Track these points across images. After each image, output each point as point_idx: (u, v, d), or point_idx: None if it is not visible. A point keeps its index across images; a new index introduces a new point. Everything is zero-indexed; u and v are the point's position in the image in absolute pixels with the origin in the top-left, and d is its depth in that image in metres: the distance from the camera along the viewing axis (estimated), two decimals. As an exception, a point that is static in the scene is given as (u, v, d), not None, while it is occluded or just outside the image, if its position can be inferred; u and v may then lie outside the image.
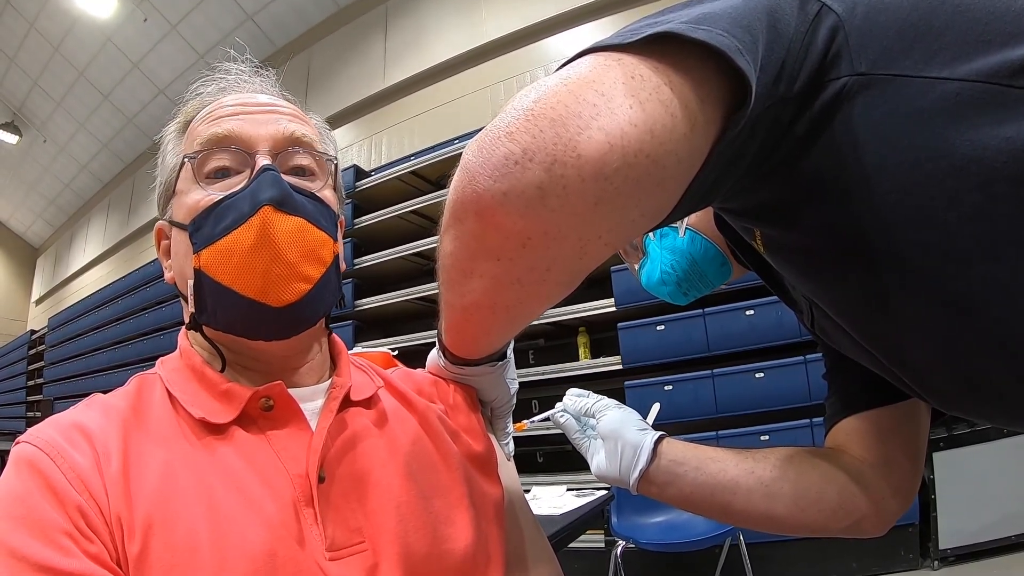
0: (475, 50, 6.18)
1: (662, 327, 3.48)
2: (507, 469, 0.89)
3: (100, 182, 11.42)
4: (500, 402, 0.92)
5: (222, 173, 0.72)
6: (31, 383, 11.55)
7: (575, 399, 1.06)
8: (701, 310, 3.40)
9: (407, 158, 5.18)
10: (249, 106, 0.76)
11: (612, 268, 3.68)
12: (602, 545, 3.30)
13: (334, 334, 0.85)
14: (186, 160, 0.73)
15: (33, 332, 12.09)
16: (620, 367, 3.61)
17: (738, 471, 0.93)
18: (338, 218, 0.79)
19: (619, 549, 2.81)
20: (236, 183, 0.71)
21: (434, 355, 0.89)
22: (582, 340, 4.01)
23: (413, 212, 4.62)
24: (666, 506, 3.03)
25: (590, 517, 2.09)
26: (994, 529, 2.92)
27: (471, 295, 0.61)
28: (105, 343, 9.01)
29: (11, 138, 10.57)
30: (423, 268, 4.79)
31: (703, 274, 1.00)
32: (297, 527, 0.62)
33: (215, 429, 0.67)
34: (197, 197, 0.71)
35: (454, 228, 0.56)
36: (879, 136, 0.55)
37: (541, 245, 0.51)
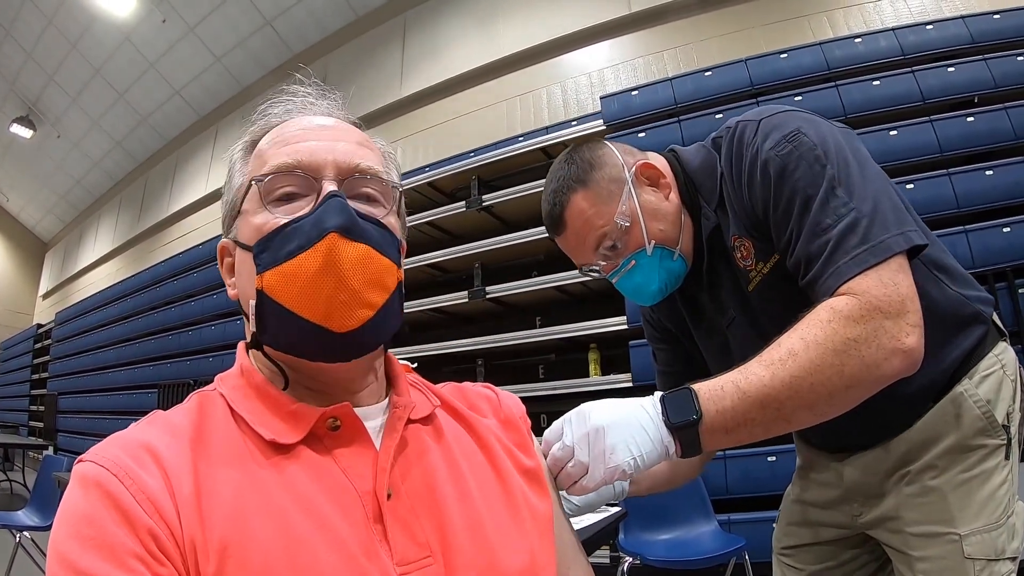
0: (492, 64, 6.26)
1: (673, 346, 3.50)
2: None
3: (112, 180, 11.49)
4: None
5: (288, 197, 0.73)
6: (36, 377, 11.57)
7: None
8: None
9: (422, 169, 5.21)
10: (316, 131, 0.77)
11: (625, 286, 3.71)
12: (607, 561, 3.33)
13: (390, 354, 0.86)
14: (253, 183, 0.74)
15: (40, 326, 12.10)
16: (630, 385, 3.62)
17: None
18: (401, 244, 0.79)
19: (626, 565, 2.83)
20: (301, 207, 0.72)
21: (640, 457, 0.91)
22: (593, 356, 4.03)
23: (428, 223, 4.65)
24: (673, 523, 3.07)
25: (604, 533, 2.12)
26: None
27: (835, 406, 0.93)
28: (112, 340, 9.03)
29: (25, 132, 10.66)
30: (436, 279, 4.83)
31: (676, 283, 1.26)
32: (368, 544, 0.63)
33: (282, 448, 0.67)
34: (263, 219, 0.72)
35: (870, 367, 0.91)
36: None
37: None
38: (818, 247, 1.00)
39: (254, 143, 0.81)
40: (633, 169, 1.21)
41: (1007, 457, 1.13)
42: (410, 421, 0.77)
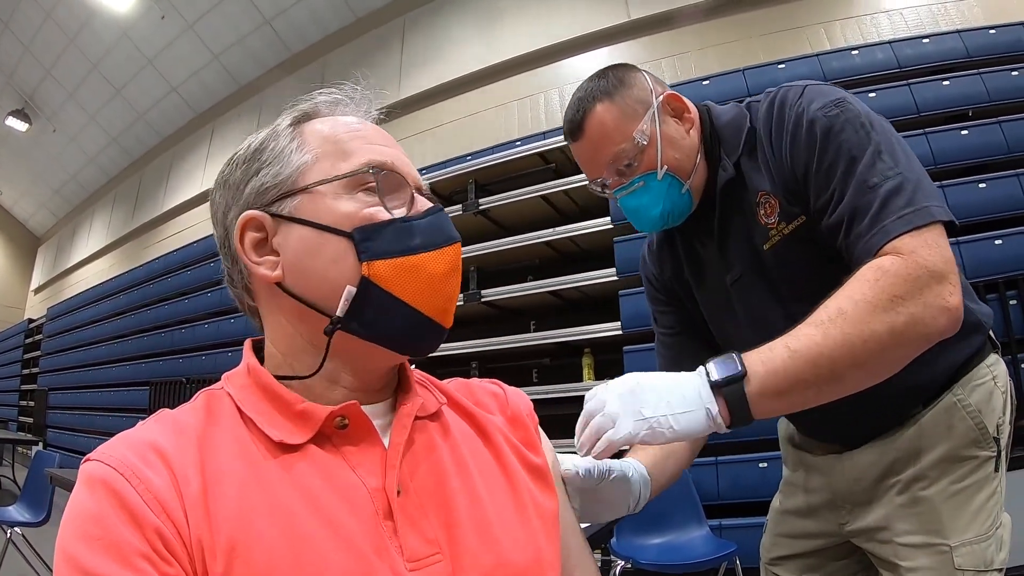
0: (490, 68, 6.26)
1: (667, 352, 3.52)
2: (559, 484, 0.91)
3: (107, 175, 11.44)
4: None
5: (371, 191, 0.74)
6: (26, 372, 11.51)
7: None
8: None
9: (419, 172, 5.18)
10: (387, 139, 0.79)
11: (620, 292, 3.74)
12: (599, 564, 3.33)
13: None
14: (370, 171, 0.74)
15: (31, 321, 12.03)
16: (624, 389, 3.60)
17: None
18: None
19: (618, 569, 2.84)
20: (394, 206, 0.74)
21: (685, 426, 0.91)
22: (587, 361, 4.03)
23: (425, 225, 4.64)
24: (665, 527, 3.08)
25: (597, 536, 2.13)
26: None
27: (886, 364, 0.94)
28: (104, 337, 8.98)
29: (21, 125, 10.61)
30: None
31: (677, 219, 1.26)
32: (378, 541, 0.64)
33: (290, 448, 0.67)
34: (367, 210, 0.72)
35: (919, 324, 0.92)
36: None
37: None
38: (864, 204, 1.01)
39: (301, 120, 0.80)
40: (661, 97, 1.22)
41: (996, 469, 1.15)
42: (417, 418, 0.77)
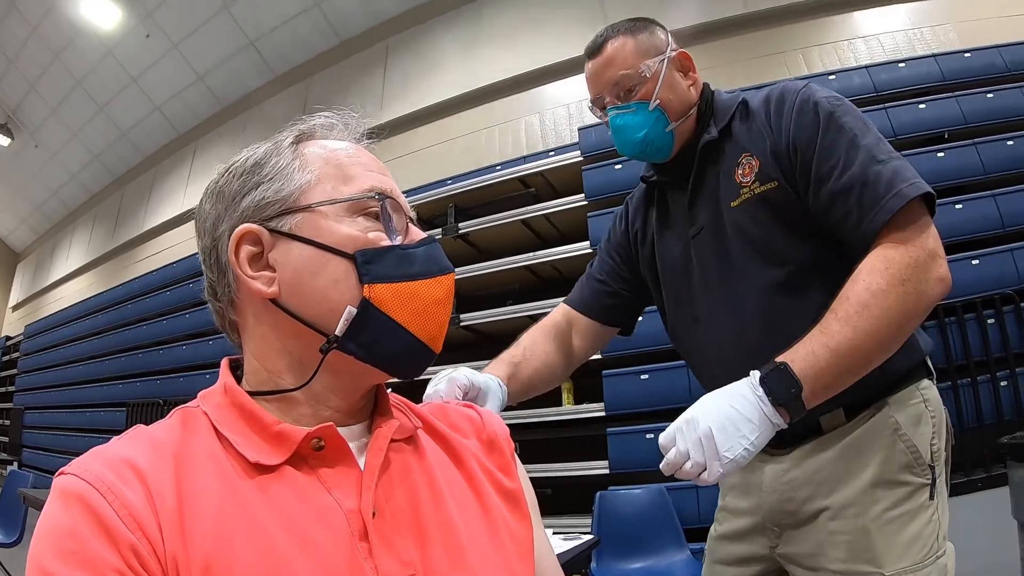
0: (471, 93, 6.28)
1: (646, 376, 3.52)
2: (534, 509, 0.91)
3: (88, 193, 11.34)
4: None
5: (371, 218, 0.76)
6: (2, 390, 11.36)
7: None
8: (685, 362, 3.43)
9: (400, 194, 5.18)
10: (382, 168, 0.81)
11: (600, 314, 3.72)
12: (578, 590, 3.31)
13: None
14: (376, 196, 0.76)
15: (8, 338, 11.91)
16: (603, 414, 3.63)
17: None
18: None
19: (596, 595, 2.82)
20: (391, 233, 0.77)
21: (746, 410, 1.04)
22: (566, 386, 4.00)
23: (405, 248, 4.62)
24: (646, 551, 3.06)
25: (575, 562, 2.11)
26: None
27: (902, 339, 1.09)
28: (82, 356, 8.89)
29: (2, 140, 10.50)
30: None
31: (655, 153, 1.40)
32: (353, 562, 0.64)
33: (266, 468, 0.67)
34: (371, 234, 0.74)
35: (923, 298, 1.07)
36: None
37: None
38: (875, 173, 1.14)
39: (301, 140, 0.80)
40: (675, 52, 1.38)
41: (931, 497, 1.17)
42: (393, 441, 0.77)
